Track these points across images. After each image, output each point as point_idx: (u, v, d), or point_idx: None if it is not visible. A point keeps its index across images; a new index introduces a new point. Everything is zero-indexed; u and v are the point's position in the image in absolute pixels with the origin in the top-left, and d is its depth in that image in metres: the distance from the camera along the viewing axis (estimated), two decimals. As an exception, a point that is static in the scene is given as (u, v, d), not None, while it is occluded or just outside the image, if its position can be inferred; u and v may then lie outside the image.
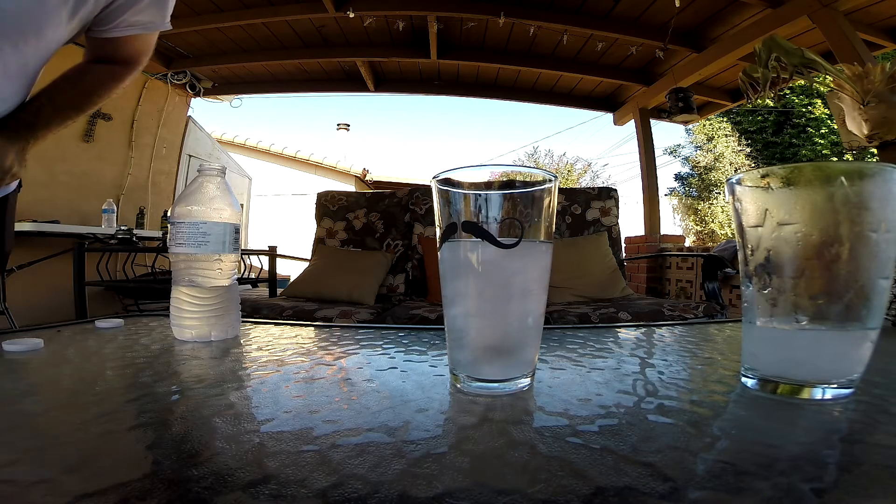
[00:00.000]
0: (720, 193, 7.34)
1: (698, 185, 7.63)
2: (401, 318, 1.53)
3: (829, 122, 6.89)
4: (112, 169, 3.66)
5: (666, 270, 3.36)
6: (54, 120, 0.66)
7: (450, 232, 0.32)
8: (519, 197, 0.31)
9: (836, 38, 2.28)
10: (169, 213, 0.52)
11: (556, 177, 0.33)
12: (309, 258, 2.35)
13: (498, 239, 0.30)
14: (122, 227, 2.79)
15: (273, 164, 8.41)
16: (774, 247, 0.29)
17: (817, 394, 0.28)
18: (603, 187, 2.40)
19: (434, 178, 0.33)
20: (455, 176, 0.32)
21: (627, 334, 0.58)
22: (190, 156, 4.56)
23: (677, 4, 2.57)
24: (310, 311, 1.56)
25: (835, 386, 0.28)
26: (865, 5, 2.41)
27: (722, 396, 0.31)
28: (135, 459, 0.21)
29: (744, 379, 0.32)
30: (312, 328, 0.61)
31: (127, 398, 0.31)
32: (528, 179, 0.32)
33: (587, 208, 2.34)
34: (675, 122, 3.38)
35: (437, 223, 0.34)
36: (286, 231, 6.72)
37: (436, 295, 2.08)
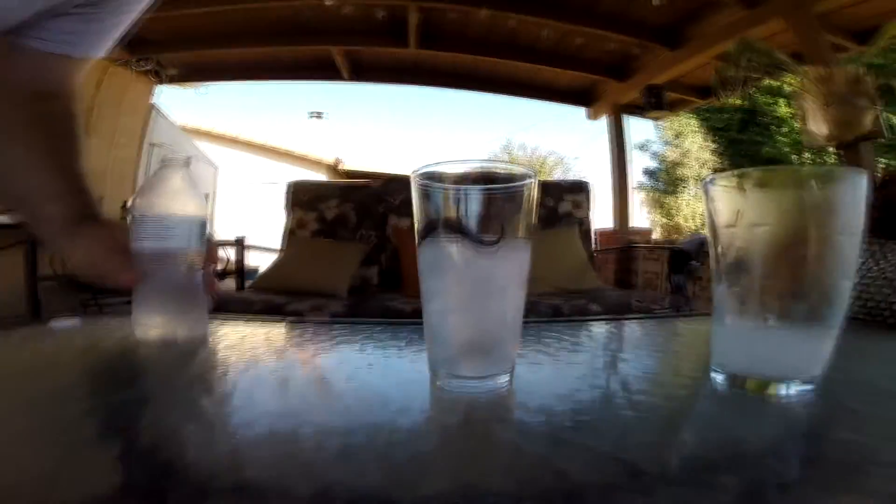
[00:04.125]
0: (686, 188, 7.59)
1: (666, 180, 7.84)
2: (375, 311, 1.52)
3: (790, 121, 7.18)
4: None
5: (634, 262, 3.46)
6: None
7: (430, 229, 0.31)
8: (500, 194, 0.30)
9: (807, 39, 2.33)
10: (129, 205, 0.46)
11: (535, 173, 0.33)
12: (279, 249, 2.30)
13: (479, 237, 0.30)
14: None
15: (242, 152, 8.14)
16: (745, 247, 0.30)
17: (782, 390, 0.29)
18: (575, 180, 2.44)
19: (414, 172, 0.33)
20: (436, 171, 0.31)
21: (600, 328, 0.60)
22: (153, 144, 4.36)
23: (654, 2, 2.62)
24: (279, 304, 1.52)
25: (798, 382, 0.29)
26: (837, 9, 2.50)
27: (691, 391, 0.32)
28: (101, 474, 0.20)
29: (713, 374, 0.32)
30: (284, 325, 0.60)
31: (87, 407, 0.29)
32: (508, 173, 0.32)
33: (560, 201, 2.37)
34: (647, 118, 3.46)
35: (415, 219, 0.33)
36: (256, 221, 6.53)
37: (411, 287, 2.08)
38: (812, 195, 0.28)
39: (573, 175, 11.29)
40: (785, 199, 0.29)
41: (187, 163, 0.49)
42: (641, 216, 7.80)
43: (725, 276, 0.31)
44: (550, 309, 1.54)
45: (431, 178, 0.31)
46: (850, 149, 1.80)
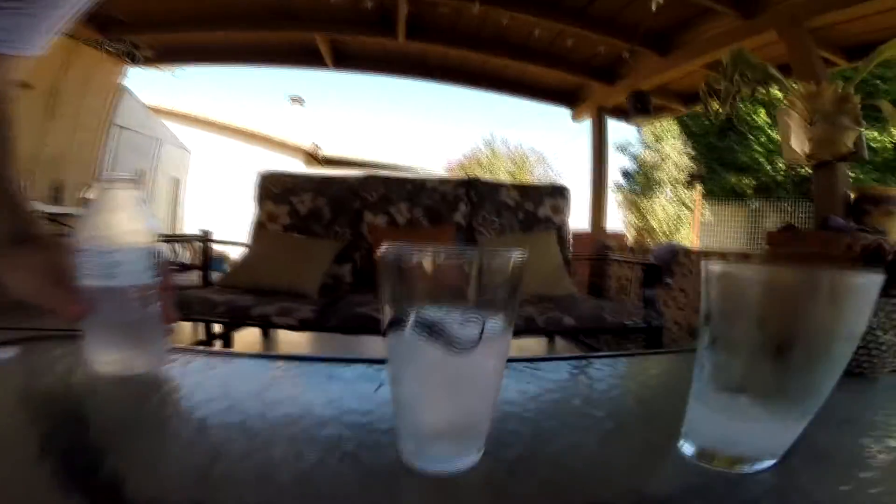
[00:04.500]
0: (662, 192, 7.74)
1: (643, 183, 7.97)
2: (346, 317, 1.46)
3: (768, 130, 7.39)
4: (25, 141, 3.25)
5: (608, 267, 3.51)
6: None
7: (398, 322, 0.28)
8: (483, 281, 0.27)
9: (798, 53, 2.34)
10: (72, 236, 0.43)
11: (524, 255, 0.28)
12: (247, 244, 2.21)
13: (455, 338, 0.27)
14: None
15: (217, 135, 7.86)
16: (738, 338, 0.28)
17: (748, 467, 0.29)
18: (556, 185, 2.44)
19: (381, 251, 0.28)
20: (406, 253, 0.27)
21: (565, 372, 0.57)
22: (121, 126, 4.15)
23: (654, 8, 2.60)
24: (245, 307, 1.45)
25: (767, 459, 0.30)
26: (831, 24, 2.53)
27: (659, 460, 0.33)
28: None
29: (682, 444, 0.32)
30: (248, 359, 0.55)
31: (30, 458, 0.26)
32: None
33: (539, 205, 2.36)
34: (630, 123, 3.47)
35: (382, 299, 0.29)
36: (227, 207, 6.33)
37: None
38: (820, 301, 0.26)
39: (553, 173, 11.39)
40: (791, 300, 0.27)
41: (135, 182, 0.43)
42: (616, 217, 7.94)
43: (713, 359, 0.30)
44: (523, 321, 1.52)
45: (400, 259, 0.27)
46: (827, 168, 1.83)
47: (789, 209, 6.91)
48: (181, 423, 0.36)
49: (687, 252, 2.72)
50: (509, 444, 0.35)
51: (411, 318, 0.27)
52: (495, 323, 0.28)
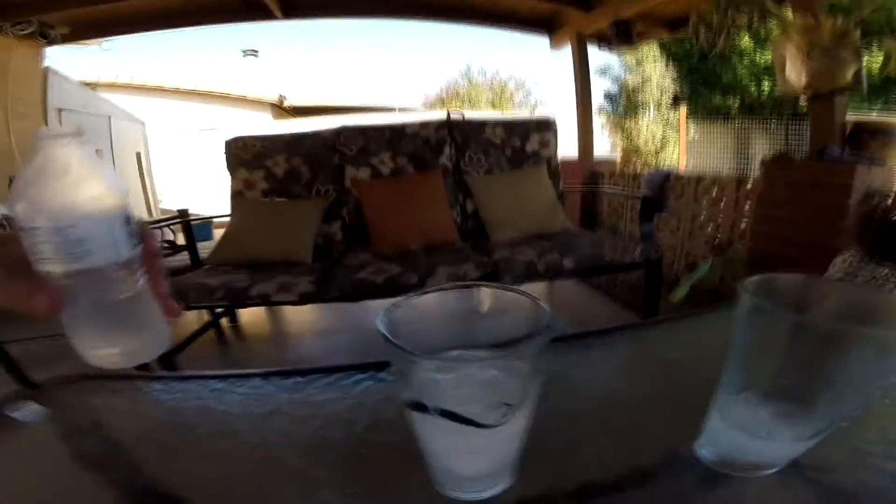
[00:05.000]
0: (645, 114, 7.62)
1: (626, 105, 7.83)
2: (346, 286, 1.42)
3: (751, 53, 7.23)
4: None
5: (600, 196, 3.48)
6: None
7: (419, 407, 0.27)
8: (510, 366, 0.28)
9: None
10: (6, 210, 0.31)
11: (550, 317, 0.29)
12: (228, 215, 2.10)
13: (482, 423, 0.27)
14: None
15: (171, 100, 7.32)
16: (771, 373, 0.29)
17: (761, 473, 0.31)
18: (541, 119, 2.32)
19: (381, 325, 0.28)
20: (409, 330, 0.28)
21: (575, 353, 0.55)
22: (60, 110, 3.83)
23: None
24: (242, 288, 1.40)
25: (776, 467, 0.31)
26: None
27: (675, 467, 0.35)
28: None
29: (701, 449, 0.34)
30: (259, 379, 0.52)
31: None
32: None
33: (526, 140, 2.26)
34: (612, 52, 3.26)
35: (396, 376, 0.29)
36: (198, 172, 6.04)
37: (379, 244, 1.98)
38: (864, 357, 0.25)
39: (534, 99, 11.01)
40: (831, 350, 0.26)
41: (78, 134, 0.32)
42: (602, 139, 7.83)
43: (738, 391, 0.30)
44: (525, 267, 1.50)
45: (408, 351, 0.25)
46: (824, 100, 1.77)
47: (776, 128, 6.88)
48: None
49: (678, 176, 2.68)
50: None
51: (434, 410, 0.26)
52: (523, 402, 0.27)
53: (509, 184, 2.17)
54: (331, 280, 1.47)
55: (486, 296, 0.34)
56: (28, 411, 0.44)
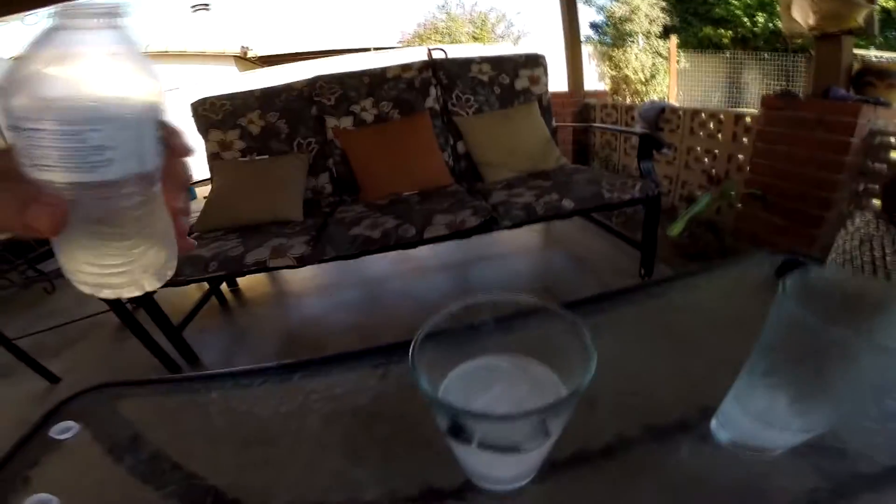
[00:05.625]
0: (634, 43, 7.31)
1: (613, 35, 7.49)
2: (342, 245, 1.38)
3: None
4: None
5: (592, 124, 3.38)
6: None
7: (461, 437, 0.27)
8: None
9: None
10: None
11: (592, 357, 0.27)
12: (208, 178, 2.01)
13: (521, 450, 0.29)
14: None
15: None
16: (791, 372, 0.29)
17: (768, 455, 0.33)
18: (530, 54, 2.18)
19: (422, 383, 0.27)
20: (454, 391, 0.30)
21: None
22: None
23: None
24: (237, 256, 1.35)
25: (783, 449, 0.33)
26: None
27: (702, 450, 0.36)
28: None
29: (716, 429, 0.36)
30: (281, 372, 0.52)
31: None
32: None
33: (515, 77, 2.15)
34: None
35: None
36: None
37: (370, 192, 1.93)
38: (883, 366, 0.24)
39: (517, 31, 10.45)
40: (854, 363, 0.26)
41: (115, 11, 0.23)
42: (590, 68, 7.54)
43: (759, 372, 0.31)
44: (524, 211, 1.46)
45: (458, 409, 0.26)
46: (831, 40, 1.68)
47: (769, 62, 6.67)
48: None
49: (673, 109, 2.59)
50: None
51: (476, 439, 0.26)
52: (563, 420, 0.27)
53: (501, 123, 2.08)
54: (326, 240, 1.43)
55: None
56: (67, 430, 0.44)
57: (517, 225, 1.47)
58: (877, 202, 1.63)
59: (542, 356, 0.32)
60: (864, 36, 1.62)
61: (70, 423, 0.46)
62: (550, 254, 2.36)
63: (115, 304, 1.42)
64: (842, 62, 1.69)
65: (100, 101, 0.22)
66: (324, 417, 0.43)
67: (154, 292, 1.47)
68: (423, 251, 1.46)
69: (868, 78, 1.67)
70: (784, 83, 6.58)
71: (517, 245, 2.45)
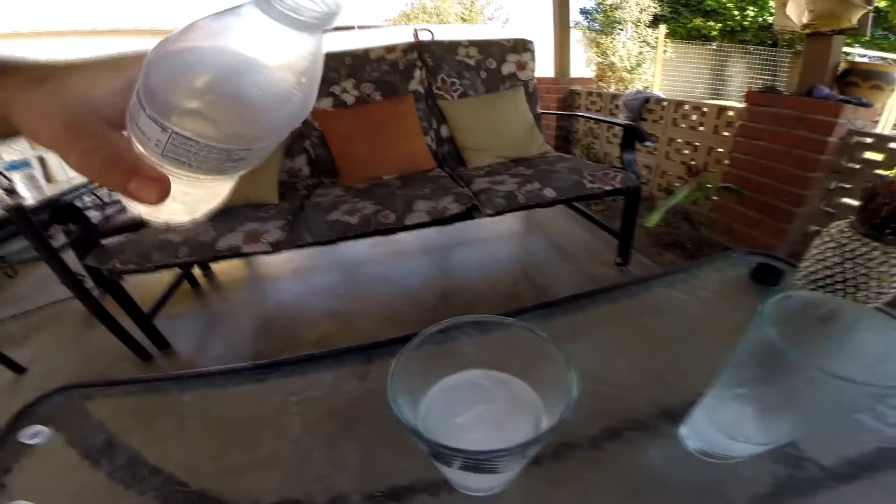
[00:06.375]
0: (622, 30, 7.29)
1: (602, 21, 7.45)
2: (318, 230, 1.35)
3: None
4: None
5: (576, 110, 3.38)
6: None
7: (441, 459, 0.28)
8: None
9: None
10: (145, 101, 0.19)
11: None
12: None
13: (500, 470, 0.29)
14: None
15: (53, 41, 6.37)
16: (760, 391, 0.29)
17: (730, 461, 0.35)
18: (518, 39, 2.14)
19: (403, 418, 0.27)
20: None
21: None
22: None
23: None
24: (208, 242, 1.30)
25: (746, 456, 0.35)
26: None
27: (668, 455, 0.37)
28: None
29: (685, 436, 0.38)
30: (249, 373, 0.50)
31: None
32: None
33: (502, 62, 2.11)
34: None
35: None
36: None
37: (349, 175, 1.88)
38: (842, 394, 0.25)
39: (505, 14, 10.29)
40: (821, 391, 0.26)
41: (334, 12, 0.18)
42: (576, 53, 7.51)
43: (730, 387, 0.31)
44: (506, 199, 1.45)
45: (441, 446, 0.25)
46: (822, 39, 1.69)
47: (755, 53, 6.75)
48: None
49: (659, 100, 2.60)
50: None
51: (456, 464, 0.26)
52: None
53: (486, 108, 2.05)
54: (302, 224, 1.39)
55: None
56: (37, 434, 0.43)
57: (499, 213, 1.46)
58: (847, 201, 1.67)
59: (521, 372, 0.32)
60: (856, 36, 1.64)
61: (39, 427, 0.44)
62: (530, 239, 2.37)
63: (81, 291, 1.36)
64: (829, 61, 1.71)
65: (267, 131, 0.21)
66: (303, 420, 0.43)
67: (122, 279, 1.41)
68: (402, 235, 1.44)
69: (852, 78, 1.69)
70: (769, 77, 6.68)
71: (498, 230, 2.44)
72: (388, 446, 0.38)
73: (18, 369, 1.56)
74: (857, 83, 1.68)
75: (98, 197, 3.09)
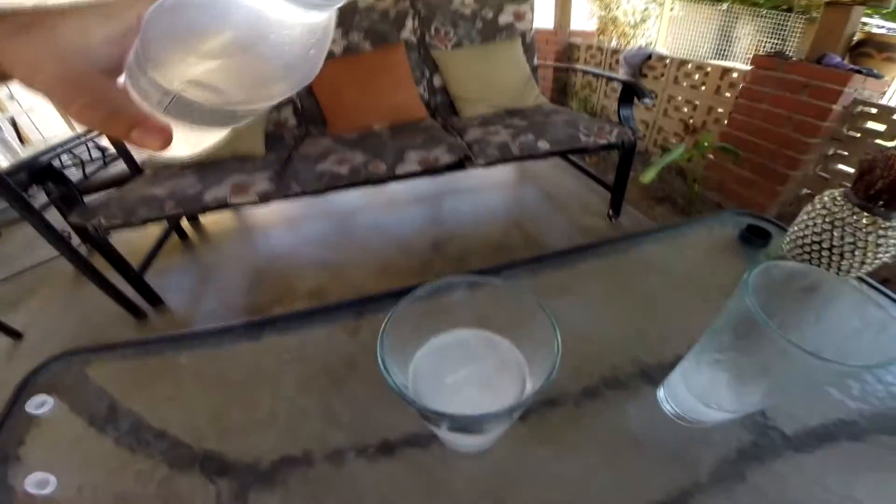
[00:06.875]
0: None
1: (608, -27, 6.96)
2: (307, 181, 1.32)
3: None
4: None
5: (574, 63, 3.26)
6: None
7: (431, 420, 0.28)
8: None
9: None
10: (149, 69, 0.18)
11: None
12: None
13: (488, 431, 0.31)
14: None
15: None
16: (736, 360, 0.30)
17: (703, 426, 0.37)
18: (516, -12, 2.01)
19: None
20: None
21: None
22: None
23: None
24: (194, 195, 1.27)
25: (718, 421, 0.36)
26: None
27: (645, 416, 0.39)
28: None
29: (662, 399, 0.39)
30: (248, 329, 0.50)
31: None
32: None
33: (500, 12, 2.01)
34: None
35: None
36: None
37: (338, 125, 1.83)
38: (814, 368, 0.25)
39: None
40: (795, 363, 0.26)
41: None
42: (577, 4, 7.10)
43: (708, 354, 0.32)
44: (499, 150, 1.42)
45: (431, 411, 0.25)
46: (841, 7, 1.60)
47: (767, 16, 6.38)
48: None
49: (661, 57, 2.49)
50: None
51: (444, 426, 0.27)
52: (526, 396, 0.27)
53: (481, 58, 1.96)
54: (290, 175, 1.36)
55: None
56: (43, 405, 0.44)
57: (492, 164, 1.44)
58: (843, 167, 1.67)
59: (509, 331, 0.32)
60: (878, 8, 1.56)
61: (44, 396, 0.45)
62: (523, 190, 2.35)
63: (68, 249, 1.33)
64: (845, 30, 1.65)
65: (273, 95, 0.20)
66: (298, 378, 0.43)
67: (109, 235, 1.39)
68: (394, 184, 1.42)
69: (867, 49, 1.65)
70: (777, 41, 6.44)
71: (491, 180, 2.42)
72: (381, 403, 0.40)
73: (16, 335, 1.54)
74: (871, 54, 1.64)
75: (76, 155, 2.97)
